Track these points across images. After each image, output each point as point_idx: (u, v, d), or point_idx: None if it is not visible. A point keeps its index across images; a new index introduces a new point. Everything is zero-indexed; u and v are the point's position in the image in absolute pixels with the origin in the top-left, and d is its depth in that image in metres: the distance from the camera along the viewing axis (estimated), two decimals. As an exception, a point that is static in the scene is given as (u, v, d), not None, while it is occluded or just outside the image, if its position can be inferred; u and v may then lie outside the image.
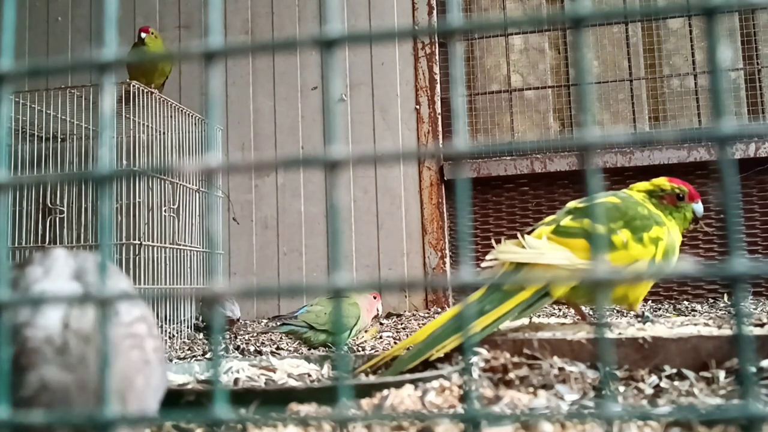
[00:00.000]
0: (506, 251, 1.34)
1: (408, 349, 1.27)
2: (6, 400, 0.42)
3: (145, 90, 2.44)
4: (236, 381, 1.20)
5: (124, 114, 2.47)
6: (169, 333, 2.40)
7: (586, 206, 1.39)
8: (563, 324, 1.43)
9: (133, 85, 2.39)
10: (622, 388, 1.05)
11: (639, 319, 1.47)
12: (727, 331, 1.18)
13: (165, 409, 0.71)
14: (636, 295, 1.40)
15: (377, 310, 2.02)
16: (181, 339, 2.43)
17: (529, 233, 1.39)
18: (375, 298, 1.99)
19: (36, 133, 2.77)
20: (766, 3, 0.39)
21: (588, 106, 0.37)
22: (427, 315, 2.90)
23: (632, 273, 1.22)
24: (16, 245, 2.53)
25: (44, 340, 0.62)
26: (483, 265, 1.39)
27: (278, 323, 1.92)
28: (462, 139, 0.39)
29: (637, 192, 1.47)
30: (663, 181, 1.46)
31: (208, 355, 1.91)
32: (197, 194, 2.72)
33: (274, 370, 1.26)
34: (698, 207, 1.46)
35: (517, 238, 1.38)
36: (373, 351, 1.79)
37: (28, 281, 0.70)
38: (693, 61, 3.19)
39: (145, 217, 2.48)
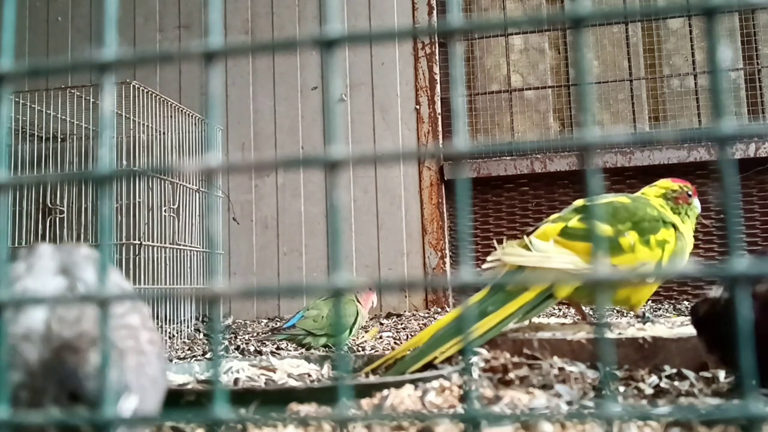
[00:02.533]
0: (511, 253, 1.33)
1: (410, 351, 1.26)
2: (6, 399, 0.42)
3: (145, 90, 2.44)
4: (236, 381, 1.20)
5: (124, 114, 2.47)
6: (169, 333, 2.40)
7: (593, 205, 1.38)
8: (563, 324, 1.43)
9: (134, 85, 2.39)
10: (622, 388, 1.05)
11: (639, 319, 1.46)
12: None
13: (165, 409, 0.71)
14: (638, 298, 1.39)
15: (372, 303, 2.02)
16: (181, 339, 2.43)
17: (530, 233, 1.38)
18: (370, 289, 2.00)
19: (36, 133, 2.77)
20: (766, 3, 0.39)
21: (588, 106, 0.37)
22: (427, 315, 2.90)
23: (635, 275, 1.21)
24: (16, 245, 2.53)
25: (22, 337, 0.62)
26: (485, 266, 1.38)
27: (275, 334, 1.92)
28: (462, 139, 0.39)
29: (654, 197, 1.46)
30: (668, 183, 1.46)
31: (208, 355, 1.91)
32: (197, 194, 2.72)
33: (274, 370, 1.26)
34: (697, 202, 1.47)
35: (522, 238, 1.37)
36: (373, 351, 1.79)
37: (10, 278, 0.69)
38: (693, 61, 3.19)
39: (145, 217, 2.48)
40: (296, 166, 0.40)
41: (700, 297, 0.99)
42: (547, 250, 1.31)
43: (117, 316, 0.68)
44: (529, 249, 1.33)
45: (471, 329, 1.09)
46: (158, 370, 0.68)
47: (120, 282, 0.78)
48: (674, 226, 1.38)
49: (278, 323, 2.88)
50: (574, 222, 1.35)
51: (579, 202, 1.43)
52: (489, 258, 1.36)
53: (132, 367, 0.63)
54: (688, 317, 1.07)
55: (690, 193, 1.45)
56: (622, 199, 1.40)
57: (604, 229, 1.31)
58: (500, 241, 1.41)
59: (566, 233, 1.33)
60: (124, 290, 0.77)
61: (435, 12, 3.34)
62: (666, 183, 1.47)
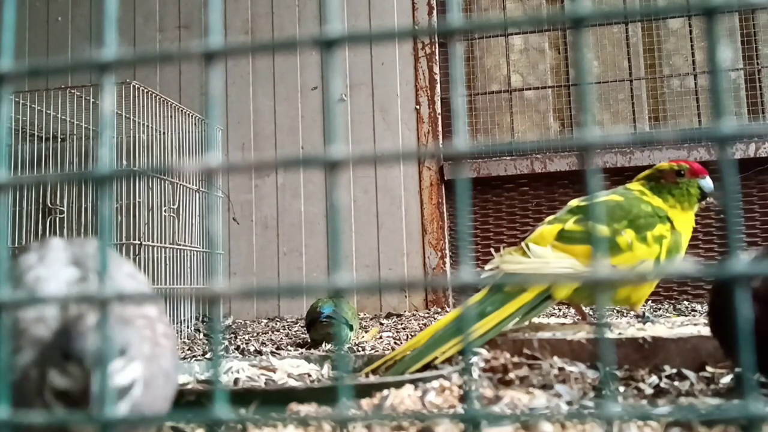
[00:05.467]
0: (510, 261, 1.33)
1: (409, 351, 1.26)
2: (6, 400, 0.42)
3: (145, 90, 2.44)
4: (236, 381, 1.20)
5: (124, 114, 2.47)
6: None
7: (588, 206, 1.38)
8: (563, 324, 1.43)
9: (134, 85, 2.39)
10: (622, 388, 1.05)
11: (639, 319, 1.46)
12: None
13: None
14: (639, 296, 1.39)
15: None
16: (181, 339, 2.43)
17: (526, 237, 1.39)
18: None
19: (36, 133, 2.77)
20: (766, 3, 0.39)
21: (588, 106, 0.37)
22: (427, 315, 2.90)
23: (635, 274, 1.21)
24: (16, 245, 2.53)
25: (33, 320, 0.61)
26: (484, 275, 1.38)
27: (321, 322, 1.90)
28: (462, 139, 0.39)
29: (636, 182, 1.46)
30: (663, 164, 1.46)
31: (208, 355, 1.91)
32: (197, 194, 2.72)
33: (274, 370, 1.26)
34: (704, 182, 1.43)
35: (520, 245, 1.37)
36: (373, 351, 1.79)
37: (23, 268, 0.69)
38: (693, 61, 3.19)
39: (145, 217, 2.48)
40: (296, 166, 0.40)
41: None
42: (545, 255, 1.31)
43: (135, 305, 0.67)
44: (527, 255, 1.32)
45: (470, 330, 1.09)
46: (171, 365, 0.68)
47: (134, 273, 0.77)
48: (669, 219, 1.37)
49: (278, 323, 2.88)
50: (571, 225, 1.35)
51: (573, 203, 1.43)
52: (487, 267, 1.36)
53: (146, 354, 0.62)
54: (689, 317, 1.07)
55: (681, 172, 1.42)
56: (614, 197, 1.39)
57: (601, 229, 1.30)
58: (498, 247, 1.41)
59: (563, 237, 1.33)
60: (138, 281, 0.76)
61: (435, 12, 3.34)
62: (659, 164, 1.46)
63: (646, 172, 1.47)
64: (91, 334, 0.55)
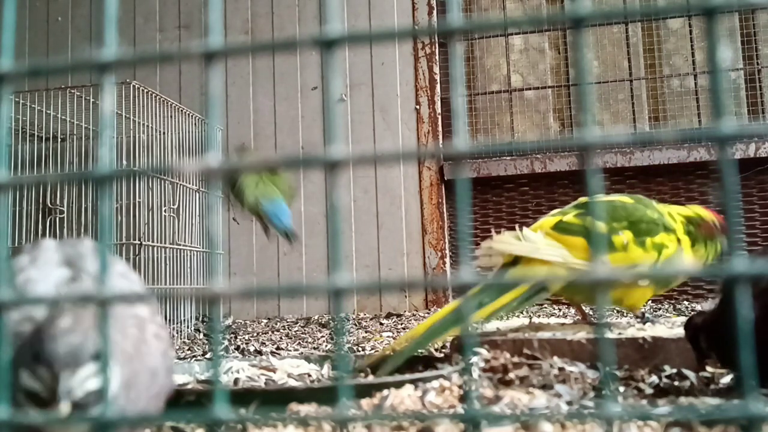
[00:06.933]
0: (502, 241, 1.35)
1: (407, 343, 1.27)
2: (6, 400, 0.42)
3: (145, 90, 2.44)
4: (236, 381, 1.20)
5: (124, 114, 2.47)
6: (170, 333, 2.39)
7: (590, 202, 1.38)
8: (563, 324, 1.43)
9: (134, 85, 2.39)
10: (622, 388, 1.05)
11: (639, 319, 1.46)
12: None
13: (165, 409, 0.70)
14: (633, 301, 1.38)
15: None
16: (181, 339, 2.43)
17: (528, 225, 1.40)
18: None
19: (36, 133, 2.77)
20: (766, 3, 0.39)
21: (588, 106, 0.37)
22: (427, 315, 2.90)
23: (630, 274, 1.21)
24: (16, 245, 2.53)
25: (22, 320, 0.61)
26: (477, 252, 1.41)
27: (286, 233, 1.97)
28: (462, 139, 0.39)
29: (677, 214, 1.42)
30: (702, 210, 1.43)
31: (208, 355, 1.91)
32: (197, 194, 2.71)
33: (274, 370, 1.26)
34: (724, 241, 1.44)
35: (516, 230, 1.38)
36: (373, 351, 1.79)
37: (14, 270, 0.69)
38: (693, 61, 3.19)
39: (145, 217, 2.48)
40: (296, 166, 0.40)
41: (694, 313, 1.00)
42: (536, 241, 1.32)
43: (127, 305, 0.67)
44: (520, 240, 1.35)
45: (469, 318, 1.10)
46: (161, 366, 0.67)
47: (126, 272, 0.77)
48: (675, 234, 1.37)
49: (278, 323, 2.88)
50: (570, 217, 1.36)
51: (582, 200, 1.44)
52: (482, 244, 1.38)
53: (128, 353, 0.62)
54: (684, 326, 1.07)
55: (719, 228, 1.42)
56: (623, 198, 1.40)
57: (598, 225, 1.30)
58: (499, 233, 1.43)
59: (559, 227, 1.35)
60: (130, 281, 0.76)
61: (435, 12, 3.34)
62: (697, 209, 1.44)
63: (686, 210, 1.43)
64: (62, 337, 0.56)
